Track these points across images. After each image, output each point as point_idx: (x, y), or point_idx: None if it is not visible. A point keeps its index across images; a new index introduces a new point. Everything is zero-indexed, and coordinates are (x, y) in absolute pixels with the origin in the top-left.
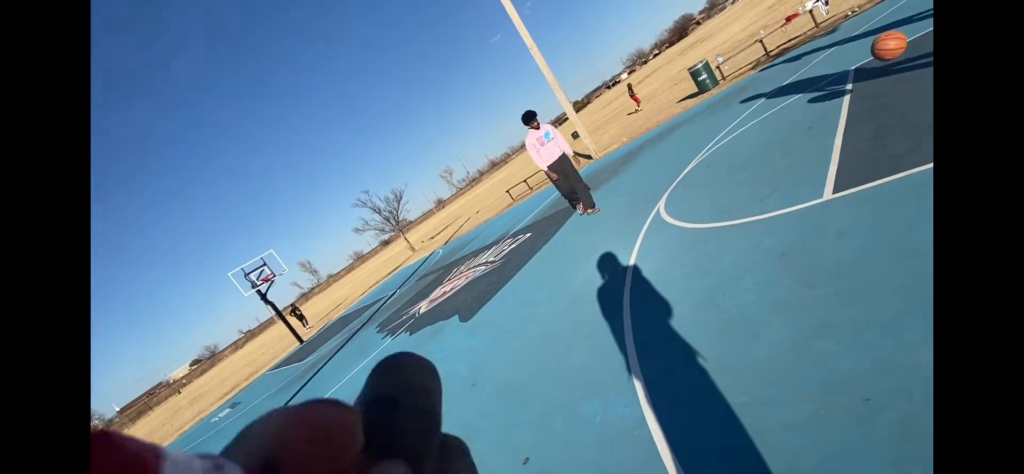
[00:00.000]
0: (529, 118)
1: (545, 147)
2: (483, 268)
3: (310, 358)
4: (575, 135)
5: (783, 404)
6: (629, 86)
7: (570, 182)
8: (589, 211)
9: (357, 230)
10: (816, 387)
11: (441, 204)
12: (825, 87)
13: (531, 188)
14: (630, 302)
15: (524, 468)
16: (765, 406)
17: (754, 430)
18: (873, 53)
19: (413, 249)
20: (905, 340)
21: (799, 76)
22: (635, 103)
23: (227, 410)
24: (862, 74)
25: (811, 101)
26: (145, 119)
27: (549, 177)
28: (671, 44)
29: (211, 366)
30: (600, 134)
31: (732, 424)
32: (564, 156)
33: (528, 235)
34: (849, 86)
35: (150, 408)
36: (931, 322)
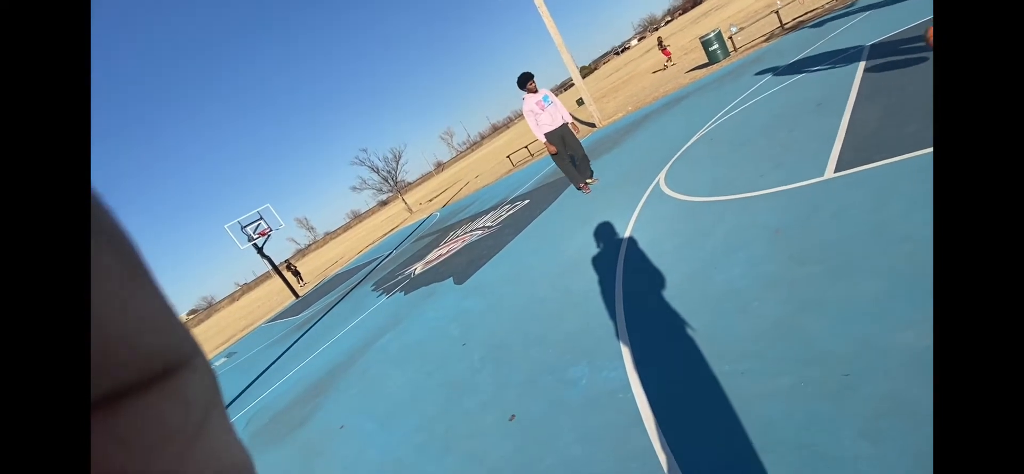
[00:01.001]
0: (525, 81)
1: (545, 112)
2: (480, 233)
3: (306, 313)
4: (580, 101)
5: (764, 375)
6: (659, 39)
7: (571, 152)
8: (587, 182)
9: (355, 188)
10: (797, 361)
11: (440, 167)
12: (838, 63)
13: (532, 155)
14: (623, 272)
15: (509, 424)
16: (746, 376)
17: (733, 398)
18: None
19: (411, 211)
20: (890, 320)
21: (813, 50)
22: (666, 57)
23: (223, 359)
24: (877, 51)
25: (822, 77)
26: (146, 66)
27: (548, 149)
28: (684, 11)
29: (208, 316)
30: (605, 102)
31: (712, 391)
32: (565, 124)
33: (526, 202)
34: (862, 63)
35: None
36: (916, 304)
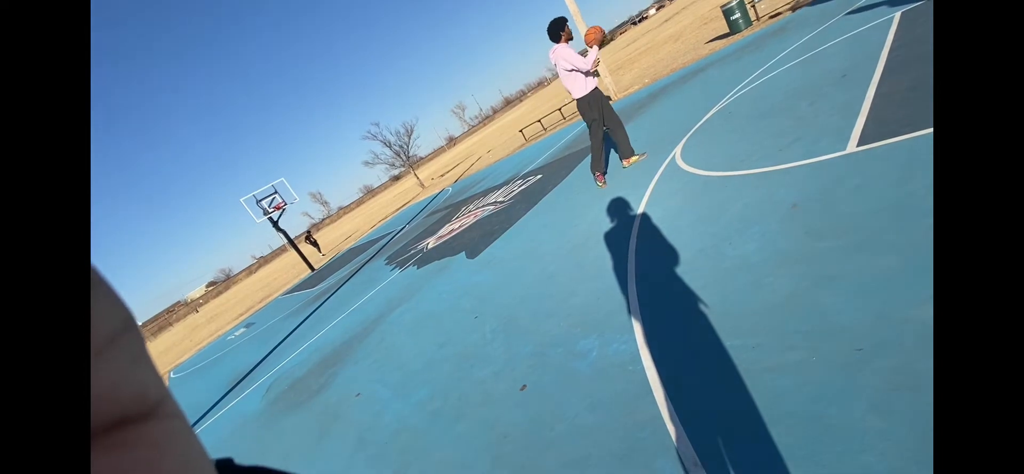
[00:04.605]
0: (558, 28)
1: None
2: (492, 208)
3: (321, 285)
4: (595, 74)
5: (774, 349)
6: None
7: (608, 126)
8: (632, 160)
9: (367, 163)
10: (809, 335)
11: (452, 141)
12: (865, 32)
13: (545, 129)
14: (636, 247)
15: (521, 393)
16: (757, 350)
17: (743, 371)
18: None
19: (423, 186)
20: (905, 296)
21: (840, 17)
22: None
23: (242, 329)
24: (907, 20)
25: (848, 46)
26: (157, 39)
27: (584, 114)
28: None
29: (226, 288)
30: (621, 74)
31: (722, 364)
32: (597, 90)
33: (539, 177)
34: (892, 31)
35: (170, 324)
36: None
